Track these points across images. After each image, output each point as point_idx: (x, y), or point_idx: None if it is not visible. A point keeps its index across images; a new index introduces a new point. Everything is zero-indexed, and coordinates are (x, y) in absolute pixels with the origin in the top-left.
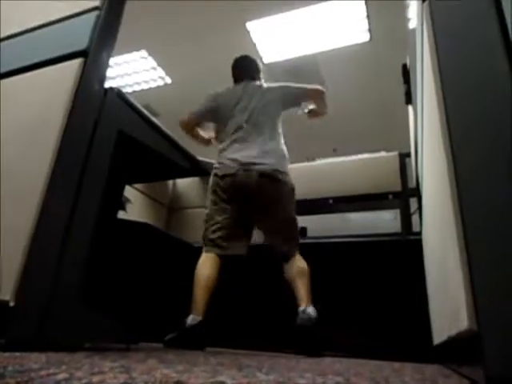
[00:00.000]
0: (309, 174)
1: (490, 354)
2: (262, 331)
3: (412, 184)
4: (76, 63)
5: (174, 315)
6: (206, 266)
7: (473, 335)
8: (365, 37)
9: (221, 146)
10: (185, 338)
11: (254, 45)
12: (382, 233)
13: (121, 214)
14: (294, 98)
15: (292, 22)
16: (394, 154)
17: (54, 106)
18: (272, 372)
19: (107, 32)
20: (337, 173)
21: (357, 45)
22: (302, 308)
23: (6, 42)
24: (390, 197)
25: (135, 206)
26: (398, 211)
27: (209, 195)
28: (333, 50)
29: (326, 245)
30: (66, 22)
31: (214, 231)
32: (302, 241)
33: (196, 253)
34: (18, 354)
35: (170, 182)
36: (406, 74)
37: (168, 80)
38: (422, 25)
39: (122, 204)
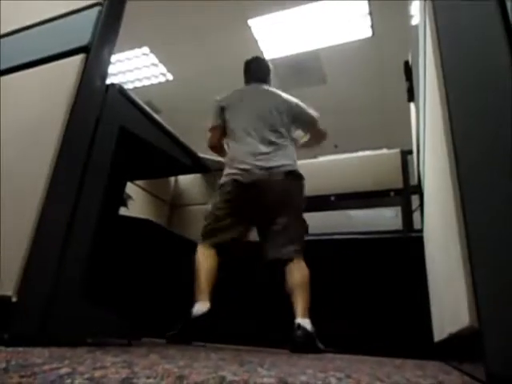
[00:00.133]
0: (310, 171)
1: (491, 352)
2: (264, 327)
3: (414, 181)
4: (78, 59)
5: (176, 311)
6: (204, 255)
7: (474, 332)
8: (367, 33)
9: (229, 152)
10: (191, 328)
11: (256, 41)
12: (383, 230)
13: (122, 211)
14: (301, 122)
15: (294, 19)
16: (396, 151)
17: (56, 102)
18: (273, 368)
19: (109, 28)
20: (338, 170)
21: (359, 41)
22: (297, 322)
23: (7, 38)
24: (392, 194)
25: (137, 203)
26: (399, 208)
27: (218, 198)
28: (335, 46)
29: (327, 242)
30: (68, 18)
31: (210, 223)
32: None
33: None
34: (21, 348)
35: (172, 179)
36: (408, 71)
37: (170, 77)
38: (425, 21)
39: (123, 201)
